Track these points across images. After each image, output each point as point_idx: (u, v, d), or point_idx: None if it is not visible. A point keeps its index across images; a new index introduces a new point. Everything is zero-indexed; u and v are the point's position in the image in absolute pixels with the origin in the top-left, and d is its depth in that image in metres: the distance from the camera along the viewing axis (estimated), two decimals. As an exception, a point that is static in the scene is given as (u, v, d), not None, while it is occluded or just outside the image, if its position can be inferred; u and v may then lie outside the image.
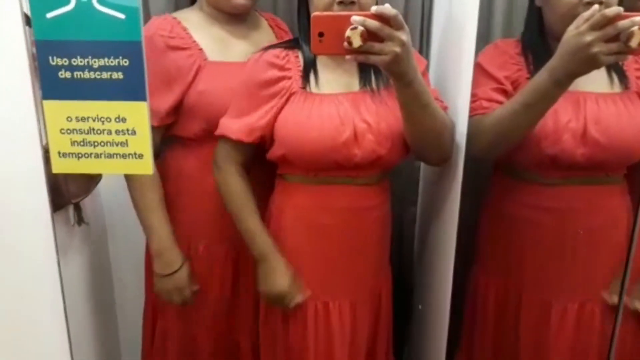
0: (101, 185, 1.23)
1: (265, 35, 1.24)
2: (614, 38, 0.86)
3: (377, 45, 0.84)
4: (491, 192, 1.25)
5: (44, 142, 0.84)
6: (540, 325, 1.16)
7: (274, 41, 1.20)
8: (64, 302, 0.95)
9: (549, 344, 1.15)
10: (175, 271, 1.18)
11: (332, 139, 1.03)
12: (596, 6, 0.88)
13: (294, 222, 1.12)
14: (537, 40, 1.10)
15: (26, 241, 0.94)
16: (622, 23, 0.85)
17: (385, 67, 0.89)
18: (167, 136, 1.22)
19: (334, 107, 1.05)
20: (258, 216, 1.13)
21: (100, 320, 1.37)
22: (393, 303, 1.27)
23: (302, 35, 1.10)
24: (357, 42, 0.83)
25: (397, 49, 0.85)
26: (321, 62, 1.10)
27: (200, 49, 1.15)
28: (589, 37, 0.87)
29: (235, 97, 1.10)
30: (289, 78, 1.07)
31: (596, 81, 1.07)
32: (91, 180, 1.17)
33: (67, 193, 1.09)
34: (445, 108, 1.10)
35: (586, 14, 0.88)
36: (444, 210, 1.21)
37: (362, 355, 1.19)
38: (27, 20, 0.80)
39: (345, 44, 0.83)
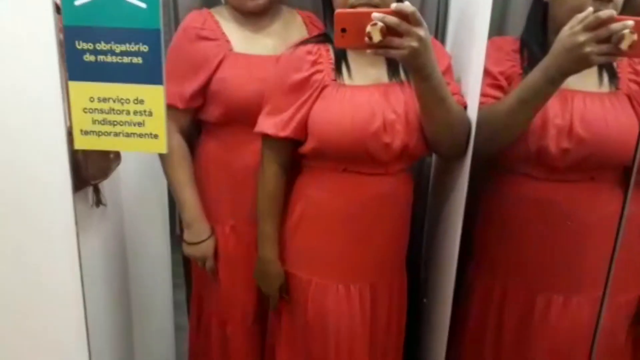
0: (120, 169, 1.29)
1: (296, 31, 1.29)
2: (607, 39, 0.89)
3: (396, 40, 0.89)
4: (484, 188, 1.26)
5: (68, 123, 0.90)
6: (523, 317, 1.18)
7: (306, 37, 1.24)
8: (82, 276, 1.00)
9: (531, 337, 1.17)
10: (202, 241, 1.28)
11: (362, 129, 1.06)
12: (590, 8, 0.91)
13: (319, 208, 1.16)
14: (538, 36, 1.12)
15: (47, 217, 0.99)
16: (615, 25, 0.88)
17: (404, 61, 0.94)
18: (197, 121, 1.30)
19: (365, 98, 1.08)
20: (276, 221, 1.19)
21: (113, 299, 1.42)
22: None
23: (330, 30, 1.14)
24: (377, 37, 0.88)
25: (415, 44, 0.89)
26: (351, 54, 1.13)
27: (228, 41, 1.23)
28: (582, 38, 0.90)
29: (270, 94, 1.14)
30: (321, 71, 1.11)
31: (585, 80, 1.09)
32: (110, 163, 1.23)
33: (86, 175, 1.14)
34: (464, 104, 1.13)
35: (581, 15, 0.91)
36: (450, 205, 1.23)
37: (381, 339, 1.22)
38: (57, 9, 0.87)
39: (366, 38, 0.88)
